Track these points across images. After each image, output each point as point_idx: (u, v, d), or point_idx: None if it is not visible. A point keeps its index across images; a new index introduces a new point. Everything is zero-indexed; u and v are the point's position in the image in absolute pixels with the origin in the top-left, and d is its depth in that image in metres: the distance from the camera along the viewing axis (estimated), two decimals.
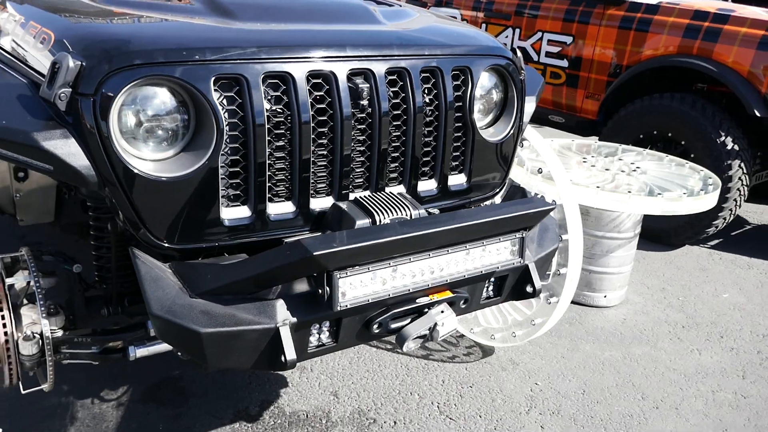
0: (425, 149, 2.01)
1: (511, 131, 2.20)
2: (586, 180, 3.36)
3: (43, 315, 1.80)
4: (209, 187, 1.63)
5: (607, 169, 3.56)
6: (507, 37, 5.33)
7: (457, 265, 1.73)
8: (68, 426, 2.35)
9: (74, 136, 1.52)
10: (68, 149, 1.51)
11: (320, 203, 1.83)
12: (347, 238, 1.50)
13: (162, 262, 1.64)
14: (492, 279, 1.93)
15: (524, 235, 1.84)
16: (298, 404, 2.56)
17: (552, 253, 2.13)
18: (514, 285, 1.98)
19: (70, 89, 1.49)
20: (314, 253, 1.42)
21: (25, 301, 1.88)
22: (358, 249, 1.48)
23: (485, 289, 1.95)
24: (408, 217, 1.80)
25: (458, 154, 2.10)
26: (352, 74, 1.80)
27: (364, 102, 1.80)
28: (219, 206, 1.67)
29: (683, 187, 3.42)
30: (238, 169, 1.68)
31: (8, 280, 1.85)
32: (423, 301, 1.73)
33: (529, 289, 1.95)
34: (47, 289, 1.88)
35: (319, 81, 1.75)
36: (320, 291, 1.55)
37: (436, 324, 1.70)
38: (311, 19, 1.93)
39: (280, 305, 1.55)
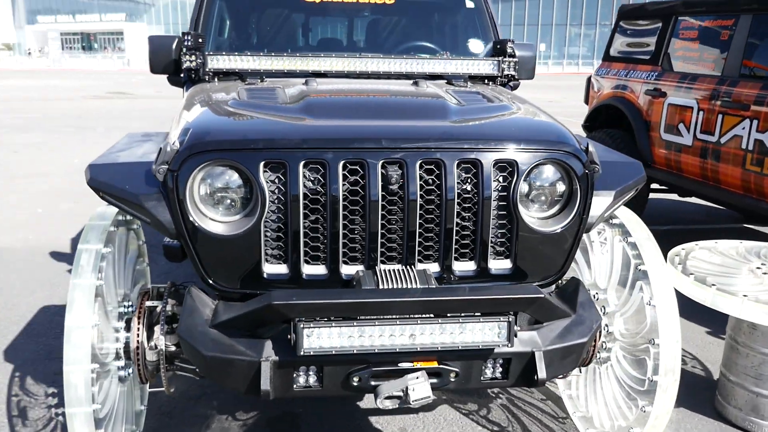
0: (464, 233, 2.17)
1: (569, 224, 2.22)
2: (762, 293, 2.93)
3: (162, 333, 2.41)
4: (254, 246, 2.08)
5: None
6: (744, 128, 4.87)
7: (431, 336, 1.86)
8: (197, 428, 2.95)
9: (165, 200, 2.11)
10: (159, 209, 2.11)
11: (349, 270, 2.14)
12: (308, 295, 1.79)
13: (212, 299, 2.12)
14: (496, 360, 1.98)
15: (511, 320, 1.88)
16: None
17: (574, 348, 2.06)
18: (521, 371, 1.99)
19: (166, 166, 2.10)
20: (272, 302, 1.75)
21: (158, 321, 2.53)
22: (314, 305, 1.77)
23: (488, 369, 2.00)
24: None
25: (503, 240, 2.21)
26: (387, 163, 2.10)
27: (394, 187, 2.09)
28: (261, 262, 2.10)
29: None
30: (280, 234, 2.10)
31: (147, 303, 2.52)
32: (405, 365, 1.90)
33: (534, 377, 1.94)
34: (172, 314, 2.49)
35: (356, 167, 2.10)
36: (289, 337, 1.86)
37: (407, 388, 1.85)
38: (379, 116, 2.29)
39: (267, 344, 1.90)
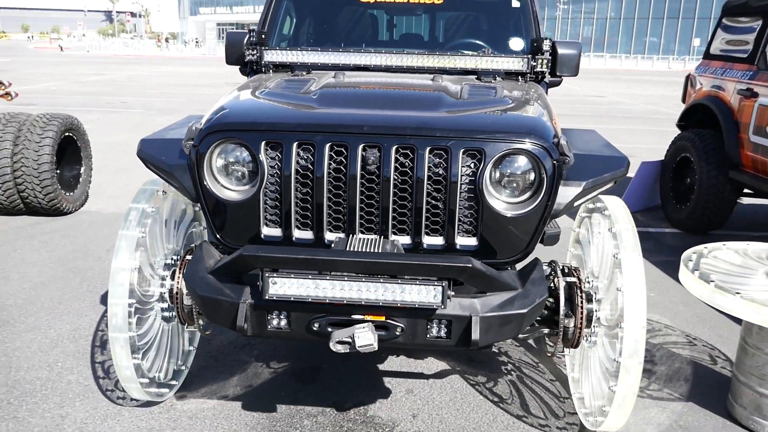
0: (434, 211, 2.46)
1: (533, 210, 2.43)
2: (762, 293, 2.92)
3: None
4: (253, 211, 2.51)
5: None
6: None
7: (375, 293, 2.18)
8: (235, 370, 3.44)
9: (189, 170, 2.59)
10: (185, 177, 2.59)
11: (332, 236, 2.50)
12: (272, 250, 2.18)
13: (219, 254, 2.57)
14: (441, 322, 2.26)
15: (445, 285, 2.15)
16: (381, 411, 3.12)
17: (512, 317, 2.28)
18: (461, 333, 2.25)
19: (191, 142, 2.57)
20: (243, 253, 2.16)
21: None
22: (274, 257, 2.15)
23: (433, 329, 2.28)
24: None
25: (471, 220, 2.47)
26: (367, 146, 2.43)
27: (371, 167, 2.42)
28: (261, 225, 2.52)
29: None
30: (276, 203, 2.51)
31: (188, 257, 3.02)
32: (356, 317, 2.24)
33: (471, 339, 2.21)
34: None
35: (341, 149, 2.45)
36: (258, 283, 2.25)
37: (354, 335, 2.19)
38: (374, 106, 2.63)
39: (247, 290, 2.32)
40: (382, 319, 2.27)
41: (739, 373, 3.14)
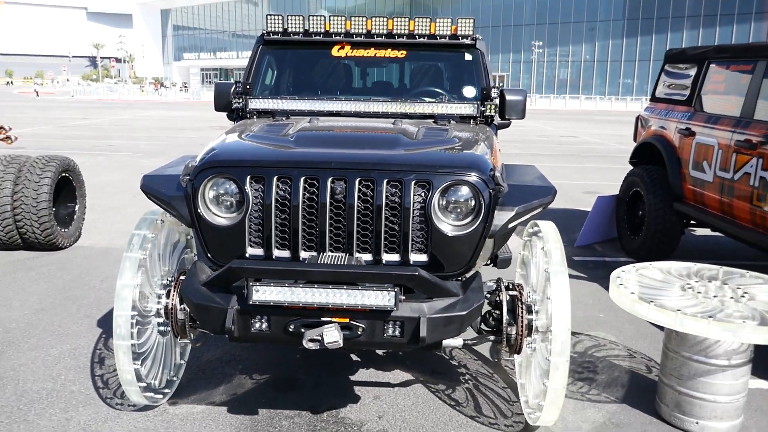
0: (391, 233, 2.95)
1: (472, 231, 2.93)
2: (694, 308, 3.33)
3: None
4: (240, 234, 2.97)
5: (714, 296, 3.54)
6: (752, 165, 5.22)
7: (339, 298, 2.65)
8: (222, 381, 3.85)
9: (185, 200, 3.06)
10: (182, 206, 3.06)
11: (305, 255, 2.97)
12: (255, 263, 2.65)
13: (210, 270, 3.03)
14: (395, 323, 2.73)
15: (397, 290, 2.63)
16: (351, 413, 3.55)
17: (454, 318, 2.76)
18: (412, 332, 2.72)
19: (188, 177, 3.04)
20: (231, 266, 2.63)
21: None
22: (257, 269, 2.62)
23: (389, 329, 2.74)
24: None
25: (422, 240, 2.96)
26: (335, 179, 2.93)
27: (339, 197, 2.91)
28: (246, 245, 2.99)
29: None
30: (259, 227, 2.98)
31: (181, 277, 3.47)
32: (325, 319, 2.70)
33: (419, 337, 2.68)
34: None
35: (313, 182, 2.95)
36: (244, 291, 2.71)
37: (322, 334, 2.65)
38: (341, 146, 3.14)
39: (234, 297, 2.78)
40: (347, 320, 2.73)
41: (663, 375, 3.62)
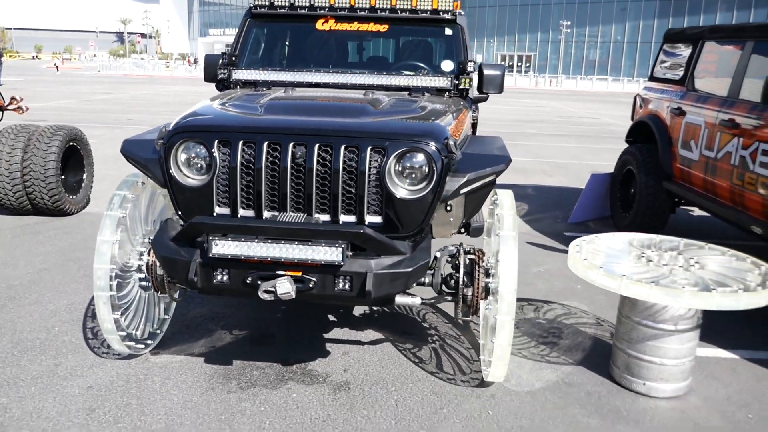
0: (348, 195, 3.15)
1: (424, 195, 3.12)
2: (643, 275, 3.50)
3: None
4: (208, 194, 3.20)
5: (665, 264, 3.68)
6: (733, 145, 5.29)
7: (295, 252, 2.87)
8: (203, 335, 4.11)
9: (159, 162, 3.28)
10: (156, 168, 3.29)
11: (268, 214, 3.19)
12: (214, 219, 2.87)
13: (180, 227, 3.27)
14: (345, 277, 2.94)
15: (345, 246, 2.83)
16: (319, 366, 3.78)
17: (399, 275, 2.96)
18: (360, 286, 2.93)
19: (162, 141, 3.27)
20: (193, 221, 2.85)
21: None
22: (215, 225, 2.85)
23: (339, 283, 2.95)
24: None
25: (377, 202, 3.15)
26: (296, 144, 3.13)
27: (299, 161, 3.12)
28: (213, 205, 3.22)
29: (742, 281, 3.38)
30: (226, 188, 3.20)
31: None
32: (280, 272, 2.93)
33: (366, 291, 2.89)
34: None
35: (276, 146, 3.15)
36: (205, 245, 2.94)
37: (275, 285, 2.87)
38: (306, 114, 3.33)
39: (197, 251, 3.00)
40: (299, 274, 2.95)
41: (616, 339, 3.79)
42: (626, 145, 7.58)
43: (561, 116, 23.30)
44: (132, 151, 3.42)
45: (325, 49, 4.79)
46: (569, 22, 63.53)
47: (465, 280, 3.54)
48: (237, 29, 4.77)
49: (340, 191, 3.13)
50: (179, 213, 3.28)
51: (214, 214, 3.23)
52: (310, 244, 2.88)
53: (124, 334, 3.56)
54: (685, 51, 6.71)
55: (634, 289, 3.34)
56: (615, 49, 64.75)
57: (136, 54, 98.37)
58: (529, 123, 20.03)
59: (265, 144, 3.14)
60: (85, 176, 7.36)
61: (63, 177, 7.02)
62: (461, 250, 3.58)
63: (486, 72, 4.47)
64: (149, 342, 3.88)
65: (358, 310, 4.65)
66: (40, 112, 16.70)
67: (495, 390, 3.61)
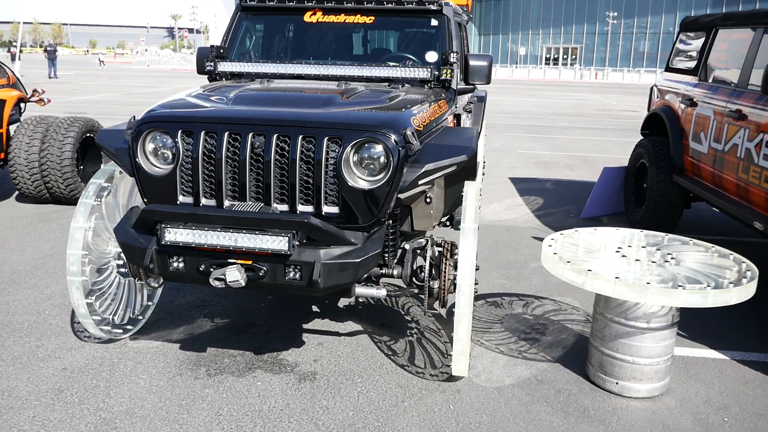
0: (306, 185, 3.16)
1: (380, 186, 3.10)
2: (614, 270, 3.39)
3: None
4: (172, 183, 3.26)
5: (637, 260, 3.58)
6: (740, 137, 5.10)
7: (243, 241, 2.89)
8: (184, 322, 4.20)
9: (129, 152, 3.36)
10: (125, 157, 3.37)
11: (228, 203, 3.22)
12: (166, 207, 2.92)
13: None
14: (296, 267, 2.96)
15: (291, 236, 2.85)
16: (290, 356, 3.82)
17: (347, 265, 2.95)
18: (309, 276, 2.94)
19: (130, 131, 3.34)
20: (146, 209, 2.91)
21: None
22: (167, 213, 2.90)
23: (290, 272, 2.97)
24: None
25: (334, 192, 3.15)
26: (255, 135, 3.16)
27: (258, 151, 3.14)
28: (177, 194, 3.27)
29: (718, 278, 3.28)
30: (189, 177, 3.26)
31: None
32: (231, 261, 2.96)
33: (314, 280, 2.90)
34: None
35: (236, 137, 3.18)
36: (158, 233, 2.99)
37: (225, 273, 2.91)
38: (270, 105, 3.35)
39: (154, 239, 3.06)
40: (250, 263, 2.98)
41: (591, 338, 3.70)
42: None
43: (600, 109, 22.82)
44: (105, 141, 3.51)
45: (312, 41, 4.81)
46: (616, 13, 61.98)
47: (432, 272, 3.52)
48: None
49: (297, 181, 3.15)
50: (145, 201, 3.35)
51: (178, 202, 3.28)
52: (257, 233, 2.91)
53: (99, 318, 3.67)
54: (699, 40, 6.48)
55: (598, 285, 3.25)
56: (665, 40, 62.81)
57: (186, 49, 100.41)
58: (564, 116, 19.68)
59: (226, 134, 3.17)
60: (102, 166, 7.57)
61: (81, 167, 7.24)
62: (429, 243, 3.55)
63: (472, 63, 4.41)
64: (129, 327, 3.98)
65: (343, 302, 4.66)
66: (82, 105, 17.24)
67: (462, 385, 3.57)
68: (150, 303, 4.25)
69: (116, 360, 3.71)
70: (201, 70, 4.63)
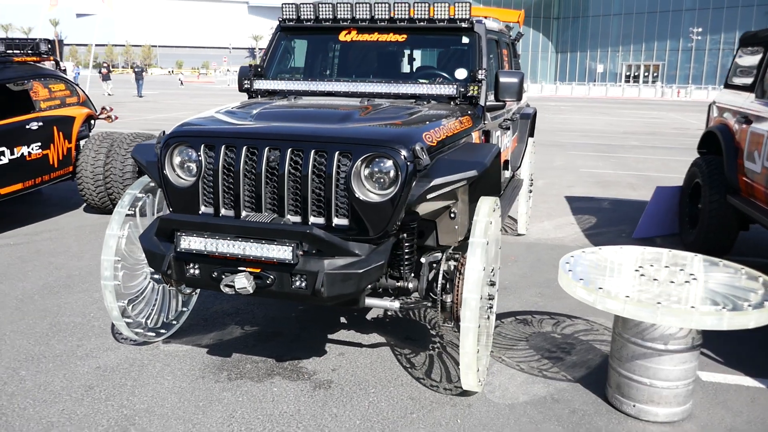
0: (318, 198, 3.27)
1: (389, 199, 3.17)
2: (628, 289, 3.34)
3: None
4: (195, 194, 3.44)
5: (655, 279, 3.48)
6: None
7: (251, 250, 3.02)
8: (215, 329, 4.38)
9: (158, 164, 3.57)
10: (154, 170, 3.59)
11: (245, 214, 3.37)
12: (182, 216, 3.09)
13: None
14: (302, 276, 3.05)
15: (295, 245, 2.95)
16: (310, 364, 3.92)
17: (350, 275, 3.01)
18: (314, 285, 3.03)
19: (159, 145, 3.56)
20: (162, 218, 3.09)
21: None
22: (182, 221, 3.06)
23: (296, 281, 3.07)
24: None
25: (344, 205, 3.25)
26: (271, 149, 3.30)
27: (273, 164, 3.29)
28: (199, 204, 3.46)
29: (738, 299, 3.16)
30: (210, 189, 3.43)
31: None
32: (241, 269, 3.10)
33: (318, 289, 2.99)
34: None
35: (254, 151, 3.34)
36: (174, 240, 3.16)
37: (234, 280, 3.04)
38: (295, 121, 3.50)
39: (171, 246, 3.24)
40: (258, 271, 3.11)
41: (610, 358, 3.62)
42: None
43: (676, 128, 22.02)
44: (138, 155, 3.75)
45: (345, 59, 4.95)
46: (701, 29, 59.72)
47: (447, 286, 3.55)
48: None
49: (309, 194, 3.26)
50: (171, 211, 3.55)
51: (200, 212, 3.46)
52: (263, 242, 3.03)
53: (131, 321, 3.89)
54: (757, 56, 6.22)
55: (609, 304, 3.19)
56: None
57: None
58: (636, 135, 19.12)
59: (244, 148, 3.33)
60: None
61: None
62: (444, 257, 3.59)
63: (502, 80, 4.42)
64: (162, 331, 4.19)
65: (371, 314, 4.74)
66: (158, 123, 18.16)
67: (474, 400, 3.57)
68: (185, 309, 4.46)
69: (146, 361, 3.92)
70: (241, 87, 4.86)
